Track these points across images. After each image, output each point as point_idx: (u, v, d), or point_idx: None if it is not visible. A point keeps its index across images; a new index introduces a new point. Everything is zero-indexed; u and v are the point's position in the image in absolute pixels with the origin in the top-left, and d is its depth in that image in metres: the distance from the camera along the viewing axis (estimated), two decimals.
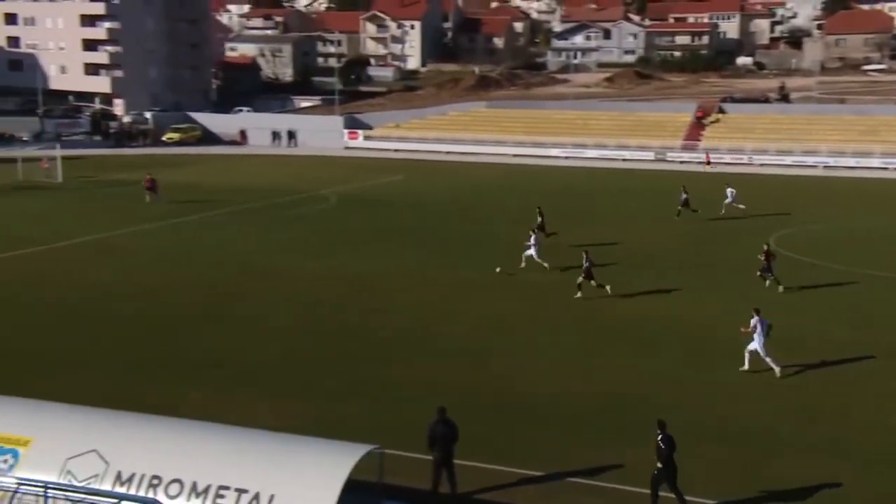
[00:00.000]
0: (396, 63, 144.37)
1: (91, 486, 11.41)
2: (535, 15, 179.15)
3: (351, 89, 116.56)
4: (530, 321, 25.07)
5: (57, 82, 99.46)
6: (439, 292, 28.20)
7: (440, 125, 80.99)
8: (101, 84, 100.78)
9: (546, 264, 30.41)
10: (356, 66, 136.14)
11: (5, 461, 11.77)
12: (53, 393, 16.83)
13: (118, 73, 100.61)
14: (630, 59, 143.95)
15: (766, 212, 44.42)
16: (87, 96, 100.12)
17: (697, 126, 75.53)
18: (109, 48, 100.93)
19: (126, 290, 27.88)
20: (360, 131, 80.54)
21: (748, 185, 51.11)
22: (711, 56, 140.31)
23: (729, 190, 44.06)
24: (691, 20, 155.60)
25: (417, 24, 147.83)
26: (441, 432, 14.38)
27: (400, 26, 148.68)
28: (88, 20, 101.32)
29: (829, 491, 15.07)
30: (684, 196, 42.26)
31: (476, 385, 19.89)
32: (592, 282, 27.13)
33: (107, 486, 11.40)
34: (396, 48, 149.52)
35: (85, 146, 73.06)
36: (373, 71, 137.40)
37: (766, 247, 29.26)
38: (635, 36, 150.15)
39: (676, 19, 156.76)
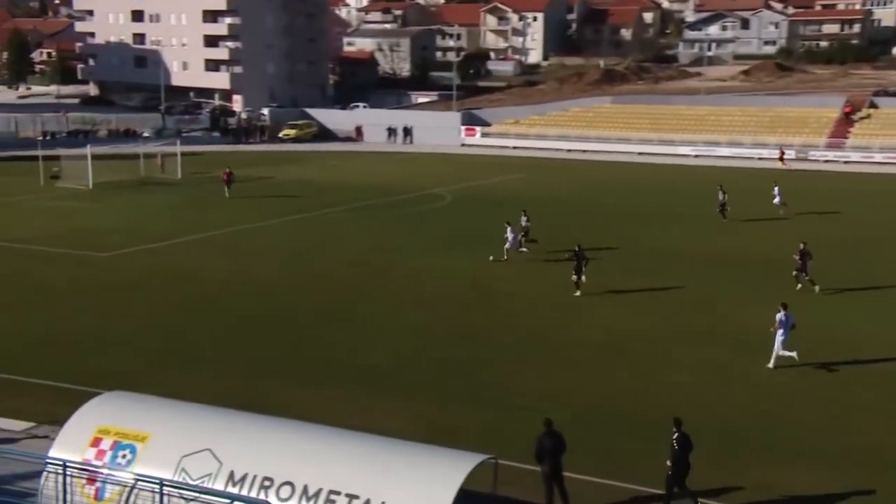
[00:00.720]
0: (517, 57, 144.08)
1: (204, 484, 11.87)
2: (666, 4, 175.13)
3: (469, 84, 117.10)
4: (659, 331, 24.55)
5: (178, 79, 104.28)
6: (561, 296, 27.99)
7: (562, 121, 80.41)
8: (221, 80, 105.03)
9: (524, 249, 33.35)
10: (475, 60, 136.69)
11: (124, 456, 12.38)
12: (170, 388, 17.63)
13: (237, 69, 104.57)
14: (770, 50, 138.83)
15: None
16: (207, 92, 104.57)
17: (845, 122, 72.20)
18: (230, 44, 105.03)
19: (242, 288, 28.93)
20: (477, 128, 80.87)
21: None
22: (863, 46, 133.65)
23: (777, 188, 43.25)
24: (841, 7, 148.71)
25: (540, 15, 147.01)
26: (549, 445, 14.41)
27: (522, 18, 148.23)
28: (210, 16, 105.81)
29: None
30: (721, 197, 41.36)
31: (600, 396, 19.66)
32: (582, 277, 28.01)
33: (219, 486, 11.83)
34: (517, 41, 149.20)
35: (204, 142, 76.24)
36: (492, 65, 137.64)
37: (802, 246, 28.47)
38: (777, 25, 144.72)
39: (824, 6, 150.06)
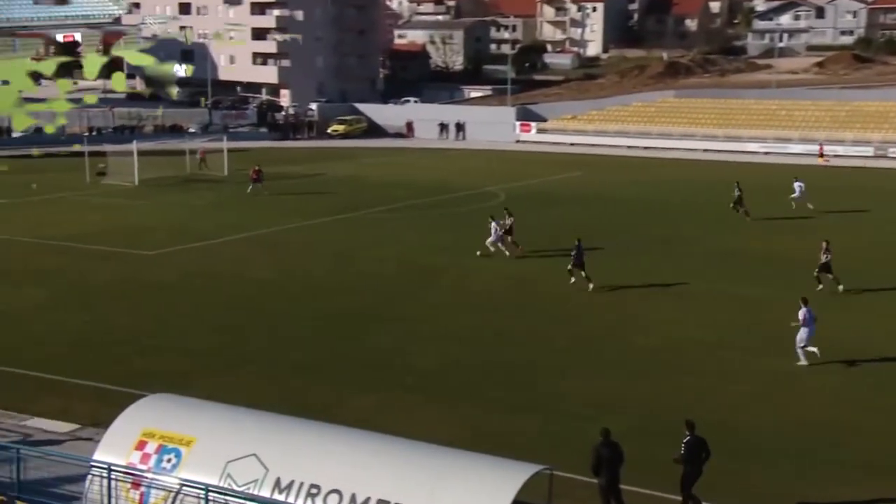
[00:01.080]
0: (575, 49, 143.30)
1: (250, 491, 12.04)
2: None
3: (525, 78, 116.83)
4: (718, 335, 24.28)
5: (225, 73, 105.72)
6: (617, 299, 27.82)
7: (622, 117, 79.80)
8: (268, 74, 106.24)
9: (507, 252, 33.29)
10: (531, 52, 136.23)
11: (169, 460, 12.60)
12: (216, 390, 17.93)
13: (285, 63, 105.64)
14: (847, 40, 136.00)
15: None
16: (255, 87, 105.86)
17: None
18: (278, 37, 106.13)
19: (288, 289, 29.26)
20: (532, 123, 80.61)
21: None
22: None
23: (797, 184, 42.84)
24: None
25: (600, 6, 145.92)
26: (606, 455, 14.33)
27: (580, 9, 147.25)
28: (258, 8, 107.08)
29: None
30: (737, 193, 41.37)
31: (657, 404, 19.48)
32: (583, 273, 28.57)
33: (265, 493, 11.99)
34: (576, 33, 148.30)
35: (251, 138, 77.22)
36: (549, 58, 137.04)
37: (824, 244, 28.44)
38: (854, 14, 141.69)
39: None
